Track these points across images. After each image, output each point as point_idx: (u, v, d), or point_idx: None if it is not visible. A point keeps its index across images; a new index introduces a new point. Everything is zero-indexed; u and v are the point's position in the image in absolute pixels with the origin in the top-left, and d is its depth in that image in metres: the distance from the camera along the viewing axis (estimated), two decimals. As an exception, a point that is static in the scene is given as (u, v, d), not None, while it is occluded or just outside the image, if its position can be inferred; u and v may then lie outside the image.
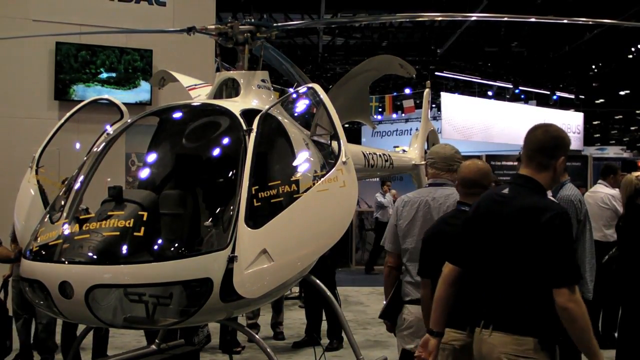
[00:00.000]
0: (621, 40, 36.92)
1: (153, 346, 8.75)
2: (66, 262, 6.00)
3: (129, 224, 6.19)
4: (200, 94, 8.86)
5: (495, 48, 39.07)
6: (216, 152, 7.30)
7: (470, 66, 42.89)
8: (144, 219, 6.27)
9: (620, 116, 64.69)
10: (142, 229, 6.21)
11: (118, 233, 6.13)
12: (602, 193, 12.08)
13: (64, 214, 6.60)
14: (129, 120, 7.65)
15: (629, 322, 9.00)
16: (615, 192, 12.09)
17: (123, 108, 7.89)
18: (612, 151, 47.48)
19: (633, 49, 39.68)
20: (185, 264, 6.14)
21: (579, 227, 7.71)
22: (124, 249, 6.15)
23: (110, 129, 7.61)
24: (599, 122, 65.68)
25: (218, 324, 9.93)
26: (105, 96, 8.02)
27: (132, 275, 6.02)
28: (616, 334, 10.02)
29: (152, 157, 7.79)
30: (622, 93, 53.17)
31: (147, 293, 6.15)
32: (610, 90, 52.71)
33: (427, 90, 13.95)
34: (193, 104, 8.15)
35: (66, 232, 6.28)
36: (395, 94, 37.66)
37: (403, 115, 38.98)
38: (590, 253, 7.84)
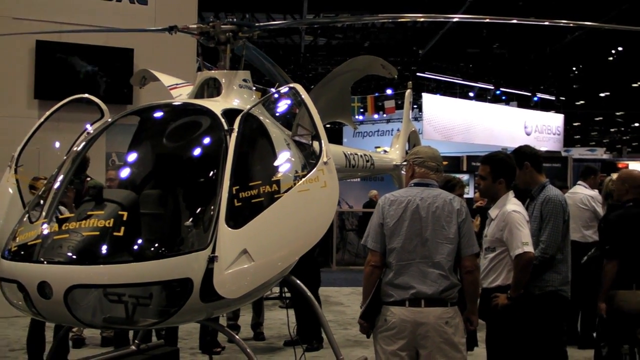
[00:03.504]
0: (602, 43, 37.14)
1: (132, 346, 8.72)
2: (45, 262, 5.97)
3: (109, 223, 6.16)
4: (182, 94, 8.82)
5: (476, 49, 39.27)
6: (197, 152, 7.25)
7: (452, 67, 43.08)
8: (124, 218, 6.24)
9: (601, 118, 64.97)
10: (122, 228, 6.18)
11: (98, 233, 6.10)
12: (582, 194, 12.11)
13: (43, 214, 6.55)
14: (109, 120, 7.62)
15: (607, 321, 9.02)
16: (595, 193, 12.12)
17: (103, 107, 7.85)
18: (600, 153, 47.67)
19: (613, 51, 39.95)
20: (165, 264, 6.11)
21: (564, 227, 7.73)
22: (104, 248, 6.12)
23: (90, 128, 7.57)
24: (579, 123, 65.99)
25: (198, 325, 9.90)
26: (86, 95, 7.97)
27: (112, 276, 5.99)
28: (595, 334, 10.04)
29: (132, 157, 7.75)
30: (602, 95, 53.47)
31: (126, 293, 6.13)
32: (591, 92, 53.02)
33: (408, 91, 13.96)
34: (174, 103, 8.11)
35: (45, 231, 6.25)
36: (376, 94, 37.71)
37: (384, 115, 39.07)
38: (569, 253, 7.88)
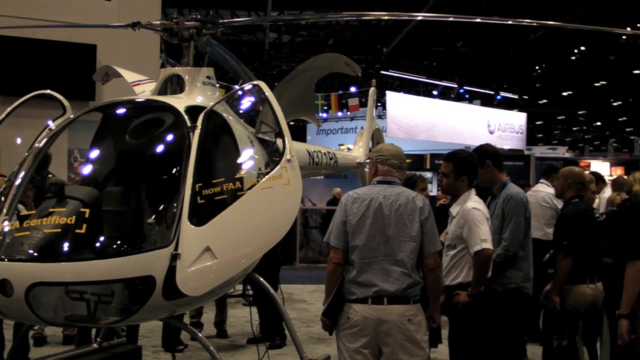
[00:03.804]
0: (565, 42, 37.43)
1: (95, 345, 8.66)
2: (6, 260, 5.91)
3: (71, 221, 6.12)
4: (145, 90, 8.76)
5: (440, 48, 39.44)
6: (160, 148, 7.21)
7: (416, 65, 43.21)
8: (86, 216, 6.20)
9: (563, 117, 65.49)
10: (84, 226, 6.14)
11: (59, 230, 6.06)
12: (544, 192, 12.19)
13: (4, 211, 6.49)
14: (71, 116, 7.55)
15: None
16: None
17: (66, 103, 7.76)
18: (561, 151, 48.05)
19: (576, 51, 40.28)
20: (128, 261, 6.08)
21: (525, 224, 7.77)
22: (66, 246, 6.08)
23: (52, 125, 7.50)
24: (542, 122, 66.45)
25: (160, 322, 9.86)
26: (48, 91, 7.89)
27: (74, 273, 5.95)
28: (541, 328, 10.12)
29: (95, 154, 7.67)
30: (564, 94, 53.86)
31: (88, 291, 6.10)
32: (553, 91, 53.41)
33: (372, 89, 13.99)
34: (137, 100, 8.05)
35: (6, 229, 6.19)
36: (340, 92, 37.70)
37: (348, 113, 39.07)
38: (530, 250, 7.93)
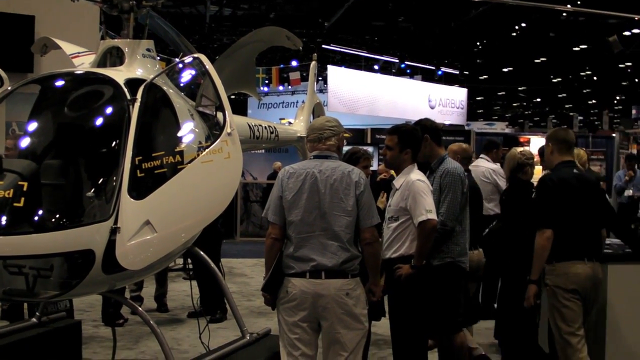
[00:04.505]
0: (506, 19, 37.62)
1: (34, 319, 8.61)
2: (-58, 233, 5.85)
3: (9, 194, 6.07)
4: (84, 62, 8.68)
5: (382, 22, 39.38)
6: (99, 121, 7.15)
7: (357, 40, 43.22)
8: (24, 189, 6.15)
9: (503, 92, 66.04)
10: (22, 199, 6.10)
11: (-3, 203, 6.00)
12: (484, 167, 12.32)
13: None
14: (9, 88, 7.46)
15: (508, 293, 9.21)
16: (497, 166, 12.34)
17: (3, 75, 7.67)
18: (499, 127, 48.48)
19: (517, 27, 40.52)
20: (67, 235, 6.06)
21: (462, 199, 7.84)
22: (3, 220, 6.03)
23: (-12, 97, 7.40)
24: (482, 98, 66.96)
25: (100, 296, 9.81)
26: (-17, 63, 7.79)
27: (12, 247, 5.92)
28: (495, 305, 10.23)
29: (33, 126, 7.57)
30: (505, 70, 54.28)
31: (27, 265, 6.05)
32: (494, 67, 53.78)
33: (313, 63, 13.96)
34: (76, 72, 7.97)
35: (-58, 202, 6.11)
36: (282, 66, 37.63)
37: (289, 87, 39.02)
38: (468, 225, 8.01)
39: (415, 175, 7.34)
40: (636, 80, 52.38)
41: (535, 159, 10.07)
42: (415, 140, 7.57)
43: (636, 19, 26.88)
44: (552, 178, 7.77)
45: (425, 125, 8.16)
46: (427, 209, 7.11)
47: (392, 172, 8.55)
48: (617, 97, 65.99)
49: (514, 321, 9.04)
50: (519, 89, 63.70)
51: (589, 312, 7.69)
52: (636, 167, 21.01)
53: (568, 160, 7.91)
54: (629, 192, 19.79)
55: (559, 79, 59.32)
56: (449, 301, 7.88)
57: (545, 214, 7.57)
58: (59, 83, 7.66)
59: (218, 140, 6.79)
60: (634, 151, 24.92)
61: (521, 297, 7.80)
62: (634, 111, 43.19)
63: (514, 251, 8.82)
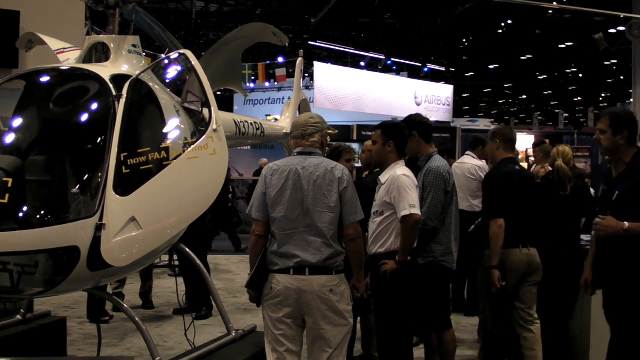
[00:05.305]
0: (492, 16, 37.66)
1: (18, 316, 8.58)
2: None
3: (-7, 190, 6.03)
4: (69, 58, 8.63)
5: (368, 19, 39.35)
6: (84, 117, 7.10)
7: (344, 36, 43.17)
8: (9, 185, 6.12)
9: (489, 90, 66.15)
10: (7, 195, 6.07)
11: (-19, 200, 5.97)
12: (470, 164, 12.31)
13: None
14: (-7, 84, 7.43)
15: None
16: (482, 163, 12.34)
17: (-13, 71, 7.65)
18: (483, 123, 48.59)
19: (503, 24, 40.59)
20: (52, 231, 6.03)
21: (446, 198, 7.84)
22: (-12, 216, 6.00)
23: (-27, 93, 7.37)
24: (468, 94, 67.06)
25: (85, 293, 9.79)
26: (-32, 58, 7.75)
27: (-4, 243, 5.88)
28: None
29: (17, 122, 7.52)
30: (491, 67, 54.38)
31: (11, 262, 6.02)
32: (480, 64, 53.87)
33: (299, 60, 13.94)
34: (61, 67, 7.92)
35: None
36: (268, 62, 37.54)
37: (276, 83, 38.94)
38: (455, 225, 8.01)
39: (401, 170, 7.36)
40: (621, 77, 52.42)
41: (520, 156, 10.19)
42: (398, 134, 7.58)
43: (621, 16, 26.95)
44: (497, 174, 8.52)
45: (413, 121, 8.17)
46: (411, 204, 7.13)
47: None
48: (603, 95, 66.20)
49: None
50: (505, 86, 63.81)
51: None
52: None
53: (511, 157, 8.73)
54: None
55: (545, 76, 59.46)
56: (434, 300, 7.90)
57: (496, 204, 8.26)
58: (45, 79, 7.62)
59: (204, 137, 6.80)
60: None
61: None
62: (619, 108, 43.22)
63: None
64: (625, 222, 6.36)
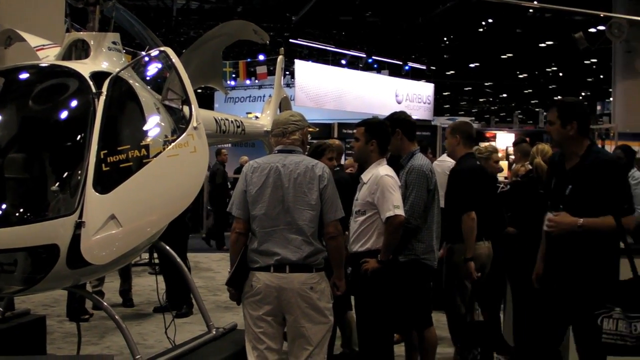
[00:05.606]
0: (473, 14, 37.80)
1: (-4, 314, 8.53)
2: None
3: (-28, 188, 6.00)
4: (49, 55, 8.58)
5: (349, 17, 39.41)
6: (64, 115, 7.06)
7: (325, 34, 43.22)
8: (-13, 183, 6.09)
9: (470, 88, 66.34)
10: (-15, 193, 6.03)
11: (-40, 197, 5.94)
12: (450, 162, 12.27)
13: None
14: (-29, 81, 7.37)
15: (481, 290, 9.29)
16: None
17: (-34, 67, 7.59)
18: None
19: (484, 23, 40.70)
20: (31, 229, 6.00)
21: (428, 196, 7.84)
22: (-34, 214, 5.97)
23: (-48, 90, 7.31)
24: (449, 93, 67.22)
25: (65, 291, 9.76)
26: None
27: (-25, 241, 5.85)
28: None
29: (-4, 119, 7.50)
30: (472, 65, 54.53)
31: (-10, 259, 5.99)
32: (461, 63, 54.04)
33: (280, 57, 13.94)
34: (41, 64, 7.88)
35: None
36: (249, 60, 37.52)
37: (256, 81, 38.88)
38: (437, 223, 8.02)
39: (384, 170, 7.36)
40: (601, 76, 52.72)
41: (500, 154, 10.27)
42: (381, 133, 7.58)
43: (601, 15, 27.08)
44: (464, 168, 8.71)
45: (397, 119, 8.17)
46: (395, 205, 7.14)
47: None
48: (583, 93, 66.46)
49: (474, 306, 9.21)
50: (486, 84, 64.04)
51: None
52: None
53: (471, 152, 9.01)
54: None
55: (525, 75, 59.74)
56: (415, 298, 7.91)
57: (468, 198, 8.43)
58: (24, 76, 7.56)
59: (184, 134, 6.79)
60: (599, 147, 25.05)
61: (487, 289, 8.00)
62: (598, 107, 43.46)
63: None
64: (580, 218, 6.22)
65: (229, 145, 22.62)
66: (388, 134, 7.69)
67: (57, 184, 6.37)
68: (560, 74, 58.32)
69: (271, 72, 32.56)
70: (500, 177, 14.04)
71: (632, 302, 6.11)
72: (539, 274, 6.86)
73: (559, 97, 53.49)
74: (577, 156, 6.48)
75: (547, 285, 6.70)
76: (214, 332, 8.10)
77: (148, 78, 7.95)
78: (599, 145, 24.22)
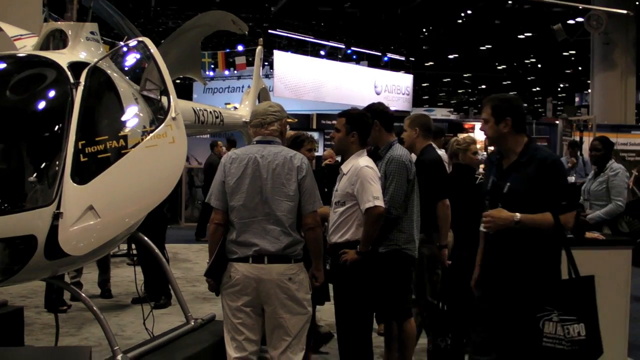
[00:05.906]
0: (451, 6, 37.84)
1: (-25, 306, 8.50)
2: None
3: (-52, 179, 5.97)
4: (26, 45, 8.54)
5: (328, 8, 39.39)
6: (41, 105, 6.99)
7: (304, 25, 43.19)
8: (-36, 174, 6.05)
9: (449, 79, 66.47)
10: (-37, 184, 6.00)
11: (-64, 188, 5.91)
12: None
13: None
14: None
15: (452, 277, 9.29)
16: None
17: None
18: (440, 113, 48.83)
19: (463, 14, 40.76)
20: (8, 220, 5.96)
21: (408, 186, 7.85)
22: (-57, 204, 5.93)
23: None
24: (428, 84, 67.32)
25: (43, 283, 9.72)
26: None
27: (-49, 232, 5.82)
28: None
29: (-27, 110, 7.45)
30: (451, 57, 54.64)
31: (-33, 250, 5.96)
32: (440, 54, 54.12)
33: (259, 48, 13.91)
34: (18, 54, 7.82)
35: None
36: (227, 50, 37.39)
37: (235, 72, 38.79)
38: (417, 213, 8.03)
39: (364, 161, 7.36)
40: (579, 68, 52.93)
41: (479, 146, 10.32)
42: (362, 124, 7.57)
43: (580, 7, 27.19)
44: (430, 159, 8.78)
45: (375, 110, 8.15)
46: (375, 196, 7.14)
47: (338, 158, 8.60)
48: (561, 85, 66.78)
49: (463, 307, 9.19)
50: (464, 75, 64.20)
51: None
52: (579, 154, 21.26)
53: (431, 143, 9.06)
54: (571, 179, 19.98)
55: (504, 66, 59.92)
56: (396, 288, 7.92)
57: (439, 186, 8.59)
58: (0, 65, 7.52)
59: (162, 125, 6.77)
60: (577, 138, 25.18)
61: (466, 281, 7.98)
62: (577, 99, 43.70)
63: (458, 234, 8.94)
64: (517, 213, 6.07)
65: (208, 135, 22.59)
66: (369, 126, 7.68)
67: (34, 175, 6.34)
68: (539, 66, 58.52)
69: (250, 63, 32.55)
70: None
71: (566, 303, 5.93)
72: (477, 280, 6.74)
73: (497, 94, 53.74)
74: (515, 154, 6.36)
75: (486, 290, 6.58)
76: (193, 323, 8.10)
77: (126, 68, 7.91)
78: (577, 137, 24.36)
